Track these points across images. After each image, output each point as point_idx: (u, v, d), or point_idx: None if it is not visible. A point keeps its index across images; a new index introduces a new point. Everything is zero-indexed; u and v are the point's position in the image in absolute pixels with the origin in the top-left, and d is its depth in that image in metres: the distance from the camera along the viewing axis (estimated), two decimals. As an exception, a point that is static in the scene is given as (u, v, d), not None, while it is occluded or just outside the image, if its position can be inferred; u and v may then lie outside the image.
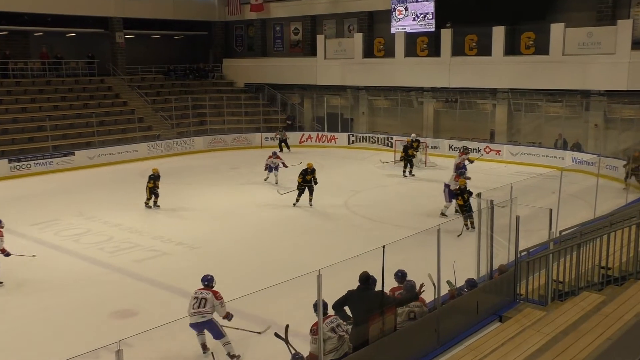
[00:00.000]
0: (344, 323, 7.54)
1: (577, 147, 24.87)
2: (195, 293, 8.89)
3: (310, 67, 33.50)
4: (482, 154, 25.56)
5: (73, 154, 26.03)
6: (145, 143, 28.80)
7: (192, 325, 8.71)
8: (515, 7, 26.37)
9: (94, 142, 27.79)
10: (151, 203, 18.57)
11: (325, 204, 18.72)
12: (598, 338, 6.29)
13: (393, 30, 30.34)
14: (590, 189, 16.78)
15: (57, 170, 25.06)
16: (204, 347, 8.97)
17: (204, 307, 8.69)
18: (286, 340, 7.43)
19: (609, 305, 7.29)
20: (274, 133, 30.37)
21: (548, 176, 17.94)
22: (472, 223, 14.36)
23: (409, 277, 8.50)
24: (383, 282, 7.44)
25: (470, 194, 15.00)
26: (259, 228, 16.61)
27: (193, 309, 8.69)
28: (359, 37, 31.65)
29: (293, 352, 7.13)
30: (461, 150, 22.41)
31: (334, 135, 31.60)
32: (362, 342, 7.10)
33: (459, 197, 15.54)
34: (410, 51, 30.01)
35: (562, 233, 10.57)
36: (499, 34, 26.82)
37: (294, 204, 18.29)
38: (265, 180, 21.52)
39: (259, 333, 9.18)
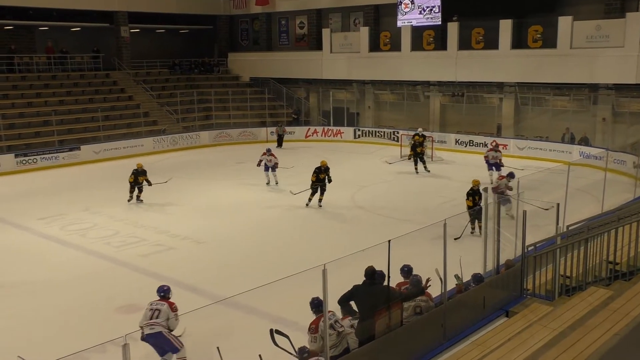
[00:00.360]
0: (350, 318, 7.55)
1: (584, 141, 24.77)
2: (150, 304, 8.48)
3: (316, 61, 33.44)
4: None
5: (79, 148, 26.15)
6: (151, 137, 28.88)
7: (146, 338, 8.26)
8: (523, 0, 26.22)
9: (100, 136, 27.87)
10: (134, 198, 18.60)
11: (331, 198, 18.67)
12: (606, 333, 6.28)
13: (399, 23, 30.25)
14: (598, 183, 16.71)
15: (63, 165, 25.20)
16: None
17: (157, 318, 8.30)
18: (287, 337, 7.39)
19: (616, 300, 7.27)
20: (275, 128, 30.39)
21: (555, 170, 17.86)
22: (479, 227, 13.78)
23: (415, 272, 8.49)
24: (389, 277, 7.44)
25: (481, 196, 14.11)
26: (263, 223, 16.63)
27: (146, 320, 8.30)
28: (364, 31, 31.56)
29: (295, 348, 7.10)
30: (491, 147, 21.00)
31: (339, 130, 31.58)
32: (369, 337, 7.11)
33: (469, 198, 14.81)
34: (417, 45, 29.91)
35: (570, 228, 10.54)
36: (506, 27, 26.70)
37: (307, 204, 17.73)
38: (267, 184, 20.53)
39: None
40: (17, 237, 15.61)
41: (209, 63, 37.94)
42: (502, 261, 9.40)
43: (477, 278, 8.90)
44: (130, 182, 18.39)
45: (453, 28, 28.25)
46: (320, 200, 17.65)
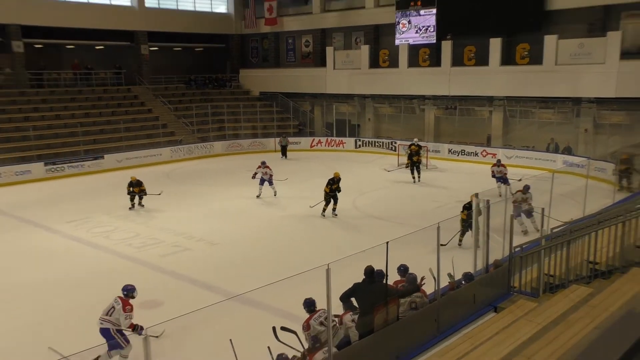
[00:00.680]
0: (351, 313, 7.58)
1: (568, 151, 24.76)
2: (114, 300, 8.42)
3: (320, 76, 33.55)
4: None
5: (103, 157, 26.23)
6: (169, 147, 28.96)
7: (100, 330, 8.26)
8: (511, 20, 26.30)
9: (122, 146, 27.98)
10: (136, 204, 18.37)
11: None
12: (586, 327, 6.30)
13: (397, 42, 30.34)
14: (580, 189, 16.71)
15: (88, 172, 25.27)
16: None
17: (110, 315, 8.19)
18: (295, 333, 7.41)
19: (596, 297, 7.29)
20: (278, 138, 30.26)
21: (540, 178, 17.86)
22: (461, 241, 13.49)
23: (410, 271, 8.54)
24: (387, 276, 7.49)
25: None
26: (272, 225, 16.68)
27: (102, 314, 8.27)
28: (365, 49, 31.66)
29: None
30: (496, 163, 19.66)
31: (342, 140, 31.62)
32: (368, 331, 7.16)
33: (464, 211, 13.72)
34: (413, 62, 30.00)
35: (553, 230, 10.58)
36: (495, 45, 26.77)
37: (322, 214, 17.14)
38: (257, 197, 19.47)
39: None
40: (47, 239, 15.70)
41: (222, 79, 38.09)
42: (490, 261, 9.44)
43: (467, 276, 8.95)
44: (127, 194, 18.26)
45: (447, 46, 28.33)
46: (334, 209, 17.22)
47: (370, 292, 7.47)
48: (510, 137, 27.52)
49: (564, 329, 6.39)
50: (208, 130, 32.15)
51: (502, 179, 18.73)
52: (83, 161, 25.60)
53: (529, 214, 14.50)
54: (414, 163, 22.45)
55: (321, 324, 7.09)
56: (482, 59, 27.40)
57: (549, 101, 25.87)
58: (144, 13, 33.57)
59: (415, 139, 25.62)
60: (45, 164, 24.47)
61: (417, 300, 7.93)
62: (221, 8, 37.93)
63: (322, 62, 34.03)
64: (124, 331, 8.18)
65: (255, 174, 19.73)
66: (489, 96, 27.67)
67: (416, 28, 29.48)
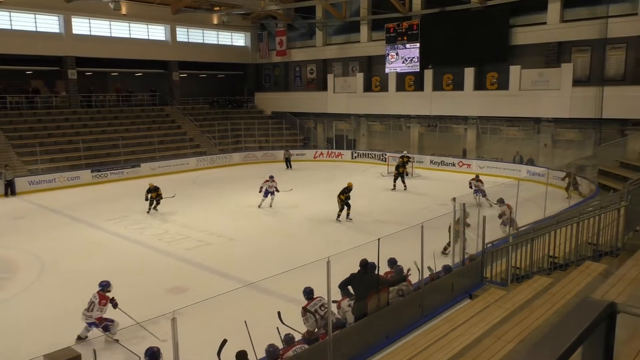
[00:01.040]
0: (348, 299, 7.51)
1: (530, 162, 24.70)
2: (93, 295, 8.25)
3: (322, 99, 33.56)
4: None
5: (139, 165, 26.24)
6: (195, 157, 28.94)
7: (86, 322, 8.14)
8: (482, 53, 26.31)
9: (155, 156, 27.99)
10: (152, 209, 17.77)
11: (334, 206, 18.64)
12: (547, 312, 6.23)
13: (387, 70, 30.36)
14: (541, 195, 16.65)
15: (127, 178, 25.28)
16: (80, 337, 8.27)
17: (91, 311, 8.05)
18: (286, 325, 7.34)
19: (555, 286, 7.22)
20: (282, 151, 29.77)
21: (508, 185, 17.82)
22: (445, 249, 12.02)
23: (398, 263, 8.48)
24: (378, 267, 7.43)
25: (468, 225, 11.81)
26: (281, 223, 16.65)
27: (85, 308, 8.13)
28: (360, 76, 31.69)
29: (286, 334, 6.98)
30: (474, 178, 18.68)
31: (340, 152, 31.59)
32: (362, 314, 7.09)
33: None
34: (400, 87, 30.01)
35: (519, 229, 10.49)
36: (469, 73, 26.78)
37: (338, 220, 16.49)
38: (259, 207, 18.28)
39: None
40: (90, 234, 15.69)
41: (239, 100, 38.13)
42: (466, 255, 9.37)
43: (447, 268, 8.88)
44: (146, 200, 17.74)
45: (428, 74, 28.34)
46: (348, 214, 16.59)
47: (364, 281, 7.41)
48: (482, 150, 27.48)
49: (528, 313, 6.32)
50: (228, 143, 32.15)
51: (479, 191, 18.14)
52: (123, 169, 25.62)
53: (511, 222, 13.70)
54: (400, 174, 21.94)
55: (316, 311, 7.03)
56: (458, 85, 27.41)
57: (514, 120, 25.85)
58: (176, 46, 33.66)
59: (405, 152, 25.60)
60: (92, 171, 24.51)
61: (403, 288, 7.87)
62: (240, 42, 38.03)
63: (324, 87, 34.05)
64: (94, 321, 8.01)
65: (262, 188, 18.39)
66: (464, 116, 27.65)
67: (403, 59, 29.50)
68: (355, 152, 31.23)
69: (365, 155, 30.69)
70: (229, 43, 37.29)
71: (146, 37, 32.54)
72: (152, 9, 31.65)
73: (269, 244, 14.42)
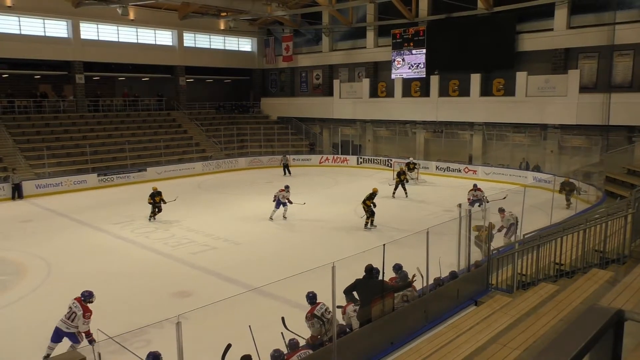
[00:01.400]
0: (353, 304, 7.49)
1: (537, 169, 24.60)
2: (72, 303, 7.86)
3: (328, 104, 33.61)
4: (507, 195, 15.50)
5: (145, 170, 26.34)
6: (200, 162, 29.02)
7: (56, 329, 7.72)
8: (489, 59, 26.29)
9: (161, 161, 28.09)
10: (161, 216, 17.32)
11: (339, 211, 18.66)
12: (553, 319, 6.19)
13: (393, 76, 30.38)
14: (547, 202, 16.57)
15: (133, 182, 25.37)
16: (47, 357, 7.74)
17: (72, 321, 7.74)
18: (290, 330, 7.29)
19: (561, 293, 7.17)
20: (280, 157, 29.18)
21: (514, 191, 17.74)
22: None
23: (403, 269, 8.45)
24: (384, 273, 7.41)
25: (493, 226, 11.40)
26: (287, 229, 16.62)
27: (64, 316, 7.79)
28: (366, 82, 31.73)
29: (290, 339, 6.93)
30: (473, 187, 17.49)
31: (346, 158, 31.57)
32: (367, 320, 7.07)
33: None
34: (406, 92, 30.01)
35: (525, 236, 10.44)
36: (475, 79, 26.75)
37: (367, 227, 16.00)
38: (270, 219, 17.23)
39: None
40: (96, 237, 15.74)
41: (246, 105, 38.26)
42: (472, 261, 9.33)
43: (452, 275, 8.84)
44: (149, 203, 17.32)
45: (434, 80, 28.33)
46: (372, 222, 16.10)
47: (369, 286, 7.40)
48: (488, 157, 27.40)
49: (534, 321, 6.28)
50: (233, 148, 32.22)
51: (477, 201, 16.69)
52: (129, 173, 25.73)
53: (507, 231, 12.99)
54: (401, 181, 21.44)
55: (322, 315, 7.01)
56: (464, 91, 27.38)
57: (520, 126, 25.77)
58: (183, 51, 33.86)
59: (411, 158, 25.57)
60: (98, 175, 24.62)
61: (408, 294, 7.85)
62: (246, 47, 38.20)
63: (330, 92, 34.08)
64: (79, 335, 7.81)
65: (276, 197, 17.36)
66: (470, 122, 27.59)
67: (409, 65, 29.52)
68: (361, 158, 31.20)
69: (371, 161, 30.66)
70: (236, 48, 37.46)
71: (153, 42, 32.75)
72: (160, 15, 31.89)
73: (274, 249, 14.41)
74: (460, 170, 26.65)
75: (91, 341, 7.71)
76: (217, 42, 36.16)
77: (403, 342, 7.31)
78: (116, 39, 30.89)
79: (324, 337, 6.87)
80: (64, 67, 29.71)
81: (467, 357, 5.84)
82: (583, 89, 23.25)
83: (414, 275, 8.13)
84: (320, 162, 31.56)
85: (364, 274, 7.51)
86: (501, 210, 13.13)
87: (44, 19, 28.00)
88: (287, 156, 29.05)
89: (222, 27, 35.01)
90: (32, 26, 27.71)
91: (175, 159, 28.75)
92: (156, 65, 33.22)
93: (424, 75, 28.89)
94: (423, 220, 16.47)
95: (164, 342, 7.78)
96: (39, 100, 29.37)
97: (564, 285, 7.84)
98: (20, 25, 27.29)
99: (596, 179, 20.37)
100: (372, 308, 7.09)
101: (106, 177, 24.76)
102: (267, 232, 16.22)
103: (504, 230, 12.82)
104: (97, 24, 29.90)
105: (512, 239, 12.32)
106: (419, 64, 29.02)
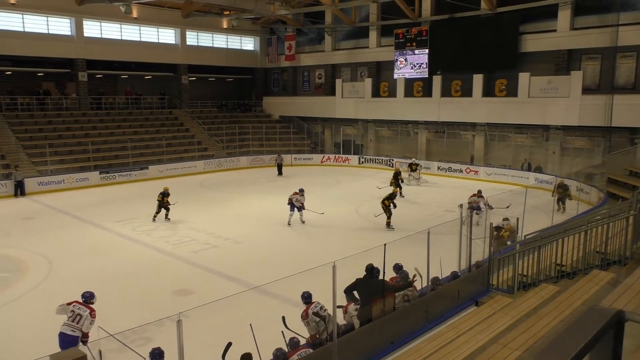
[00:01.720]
0: (354, 304, 7.48)
1: (539, 170, 24.57)
2: (73, 306, 7.52)
3: (330, 103, 33.61)
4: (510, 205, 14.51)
5: (147, 168, 26.38)
6: (202, 161, 29.05)
7: (62, 335, 7.38)
8: (491, 60, 26.26)
9: (163, 159, 28.12)
10: (161, 216, 17.05)
11: (340, 210, 18.66)
12: (553, 320, 6.18)
13: (395, 76, 30.37)
14: (549, 202, 16.57)
15: (135, 180, 25.43)
16: None
17: (78, 323, 7.43)
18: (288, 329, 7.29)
19: (562, 294, 7.16)
20: (274, 156, 28.89)
21: (516, 192, 17.72)
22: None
23: (404, 269, 8.45)
24: (384, 273, 7.41)
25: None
26: (288, 228, 16.60)
27: (68, 320, 7.48)
28: (368, 81, 31.72)
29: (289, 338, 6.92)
30: (475, 193, 16.53)
31: (347, 157, 31.58)
32: (368, 319, 7.07)
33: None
34: (408, 92, 29.98)
35: (526, 237, 10.44)
36: (478, 80, 26.72)
37: (390, 227, 15.91)
38: (288, 224, 16.49)
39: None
40: (98, 235, 15.77)
41: (248, 104, 38.27)
42: (473, 262, 9.33)
43: (453, 275, 8.84)
44: (158, 201, 17.14)
45: (437, 80, 28.30)
46: (389, 223, 16.00)
47: (370, 286, 7.39)
48: (490, 157, 27.37)
49: (535, 321, 6.27)
50: (235, 147, 32.23)
51: (475, 208, 15.20)
52: (131, 171, 25.76)
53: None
54: (397, 181, 21.29)
55: (316, 314, 7.00)
56: (466, 91, 27.34)
57: (523, 127, 25.74)
58: (185, 49, 33.87)
59: (413, 159, 25.53)
60: (100, 173, 24.66)
61: (409, 293, 7.85)
62: (249, 46, 38.21)
63: (332, 92, 34.08)
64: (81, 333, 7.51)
65: (290, 200, 16.66)
66: (472, 122, 27.56)
67: (411, 65, 29.50)
68: (363, 158, 31.20)
69: (373, 161, 30.65)
70: (238, 47, 37.47)
71: (156, 41, 32.77)
72: (163, 13, 31.91)
73: (275, 247, 14.42)
74: (462, 171, 26.63)
75: (85, 342, 7.52)
76: (220, 40, 36.17)
77: (403, 341, 7.30)
78: (119, 37, 30.92)
79: (323, 336, 6.87)
80: (67, 65, 29.74)
81: (468, 358, 5.83)
82: (586, 90, 23.21)
83: (414, 275, 8.13)
84: (321, 162, 31.56)
85: (365, 273, 7.51)
86: (505, 220, 13.13)
87: (47, 17, 28.04)
88: (282, 155, 28.87)
89: (224, 26, 35.02)
90: (36, 23, 27.75)
91: (177, 157, 28.77)
92: (159, 64, 33.25)
93: (427, 76, 28.86)
94: (424, 220, 16.46)
95: (164, 340, 7.79)
96: (41, 98, 29.42)
97: (565, 286, 7.82)
98: (23, 23, 27.33)
99: (598, 181, 20.35)
100: (372, 308, 7.08)
101: (108, 175, 24.79)
102: (268, 231, 16.22)
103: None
104: (100, 22, 29.93)
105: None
106: (422, 64, 28.99)
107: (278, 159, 28.26)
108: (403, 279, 8.09)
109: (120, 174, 25.22)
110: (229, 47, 36.75)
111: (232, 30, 34.84)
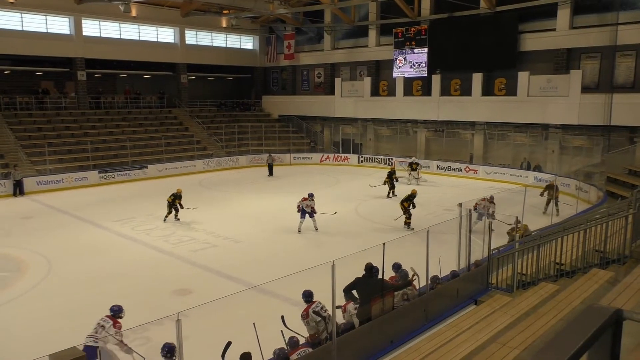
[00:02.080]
0: (353, 303, 7.48)
1: (538, 168, 24.57)
2: (102, 319, 7.46)
3: (329, 102, 33.60)
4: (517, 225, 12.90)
5: (146, 167, 26.37)
6: (202, 160, 29.04)
7: (86, 349, 6.87)
8: (490, 59, 26.26)
9: (163, 158, 28.11)
10: (171, 217, 17.00)
11: (339, 209, 18.62)
12: (553, 319, 6.19)
13: (394, 75, 30.36)
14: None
15: (134, 179, 25.42)
16: None
17: (100, 333, 7.28)
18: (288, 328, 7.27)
19: (561, 293, 7.16)
20: (266, 156, 28.58)
21: (515, 191, 17.73)
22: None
23: (403, 268, 8.45)
24: (383, 272, 7.41)
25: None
26: (287, 227, 16.56)
27: (92, 331, 7.36)
28: (367, 80, 31.71)
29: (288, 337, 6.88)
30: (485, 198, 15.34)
31: (347, 156, 31.58)
32: (367, 318, 7.08)
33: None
34: (408, 91, 29.98)
35: (525, 235, 10.44)
36: (477, 79, 26.72)
37: (409, 228, 15.71)
38: (298, 231, 15.63)
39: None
40: (97, 234, 15.77)
41: (247, 103, 38.25)
42: (472, 261, 9.33)
43: (453, 274, 8.84)
44: (168, 202, 17.06)
45: (436, 79, 28.30)
46: (409, 224, 15.85)
47: (369, 285, 7.40)
48: (489, 156, 27.38)
49: (534, 320, 6.28)
50: (234, 146, 32.22)
51: (482, 213, 14.53)
52: (130, 170, 25.75)
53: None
54: (391, 180, 21.21)
55: (317, 313, 6.99)
56: (466, 90, 27.35)
57: (522, 126, 25.74)
58: (184, 49, 33.86)
59: (413, 158, 25.51)
60: (99, 172, 24.64)
61: (408, 292, 7.85)
62: (248, 45, 38.19)
63: (331, 91, 34.08)
64: (120, 346, 7.29)
65: (299, 206, 15.84)
66: (471, 121, 27.56)
67: (411, 64, 29.49)
68: (362, 157, 31.20)
69: (372, 160, 30.65)
70: (238, 46, 37.45)
71: (155, 40, 32.74)
72: (162, 12, 31.88)
73: (274, 247, 14.42)
74: (461, 170, 26.63)
75: (126, 350, 7.23)
76: (219, 39, 36.15)
77: (403, 340, 7.31)
78: (118, 36, 30.89)
79: (322, 336, 6.88)
80: (66, 64, 29.72)
81: (467, 356, 5.84)
82: (585, 89, 23.22)
83: (413, 275, 8.14)
84: (321, 161, 31.55)
85: (364, 272, 7.51)
86: (518, 223, 13.04)
87: (46, 16, 28.01)
88: (273, 156, 28.52)
89: (224, 25, 34.99)
90: (35, 23, 27.72)
91: (176, 157, 28.75)
92: (158, 63, 33.22)
93: (426, 75, 28.86)
94: (423, 219, 16.47)
95: (164, 339, 7.79)
96: (40, 97, 29.39)
97: (564, 285, 7.83)
98: (22, 22, 27.30)
99: (597, 179, 20.38)
100: (372, 307, 7.09)
101: (107, 174, 24.78)
102: (267, 230, 16.22)
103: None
104: (99, 21, 29.90)
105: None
106: (421, 63, 28.99)
107: (269, 159, 27.94)
108: (402, 278, 8.09)
109: (119, 173, 25.20)
110: (228, 46, 36.73)
111: (232, 29, 34.81)
